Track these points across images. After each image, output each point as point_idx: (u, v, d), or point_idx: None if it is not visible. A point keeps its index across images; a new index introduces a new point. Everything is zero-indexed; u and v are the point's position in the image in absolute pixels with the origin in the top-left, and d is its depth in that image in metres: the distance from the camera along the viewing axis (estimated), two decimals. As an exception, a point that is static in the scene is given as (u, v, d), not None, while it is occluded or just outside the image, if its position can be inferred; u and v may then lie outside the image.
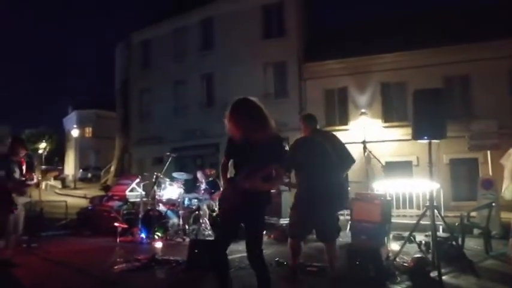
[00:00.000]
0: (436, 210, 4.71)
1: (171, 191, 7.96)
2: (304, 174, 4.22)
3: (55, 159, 45.81)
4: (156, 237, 7.06)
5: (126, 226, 7.26)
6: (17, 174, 5.18)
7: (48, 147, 47.33)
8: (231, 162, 3.27)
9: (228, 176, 3.27)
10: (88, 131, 41.76)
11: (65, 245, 6.58)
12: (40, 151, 44.72)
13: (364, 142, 8.03)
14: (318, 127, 4.47)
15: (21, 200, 5.24)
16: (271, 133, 3.13)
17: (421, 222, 4.93)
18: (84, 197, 17.11)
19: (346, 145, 4.38)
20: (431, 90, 4.96)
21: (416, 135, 4.71)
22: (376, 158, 7.85)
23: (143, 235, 7.06)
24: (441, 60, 14.10)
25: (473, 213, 6.96)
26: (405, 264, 4.69)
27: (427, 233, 5.93)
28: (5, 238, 5.10)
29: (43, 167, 35.10)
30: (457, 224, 6.16)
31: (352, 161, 4.33)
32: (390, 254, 5.10)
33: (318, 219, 4.09)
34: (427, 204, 4.81)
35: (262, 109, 3.15)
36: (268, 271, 3.21)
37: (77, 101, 42.92)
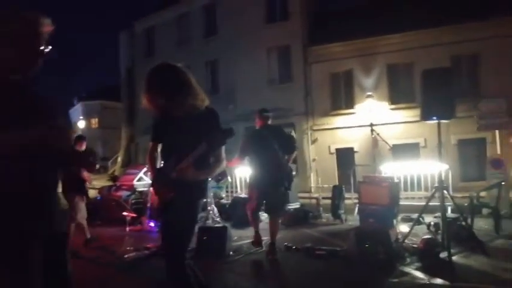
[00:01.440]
0: (445, 191, 4.68)
1: (178, 179, 7.98)
2: (255, 161, 4.99)
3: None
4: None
5: (135, 215, 7.31)
6: None
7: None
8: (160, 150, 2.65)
9: (158, 166, 2.62)
10: (94, 122, 41.86)
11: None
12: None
13: (371, 125, 7.98)
14: (269, 122, 5.12)
15: None
16: (203, 105, 2.50)
17: (430, 203, 4.90)
18: (93, 188, 17.25)
19: (291, 136, 5.73)
20: (440, 70, 4.88)
21: (425, 116, 4.64)
22: (384, 140, 7.81)
23: (152, 224, 7.11)
24: (449, 39, 13.84)
25: (482, 193, 6.91)
26: (415, 245, 4.67)
27: (436, 215, 5.90)
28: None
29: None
30: (466, 204, 6.11)
31: (293, 149, 5.23)
32: (399, 236, 5.09)
33: (266, 195, 4.90)
34: (436, 185, 4.77)
35: (188, 75, 2.53)
36: None
37: (82, 93, 43.02)
